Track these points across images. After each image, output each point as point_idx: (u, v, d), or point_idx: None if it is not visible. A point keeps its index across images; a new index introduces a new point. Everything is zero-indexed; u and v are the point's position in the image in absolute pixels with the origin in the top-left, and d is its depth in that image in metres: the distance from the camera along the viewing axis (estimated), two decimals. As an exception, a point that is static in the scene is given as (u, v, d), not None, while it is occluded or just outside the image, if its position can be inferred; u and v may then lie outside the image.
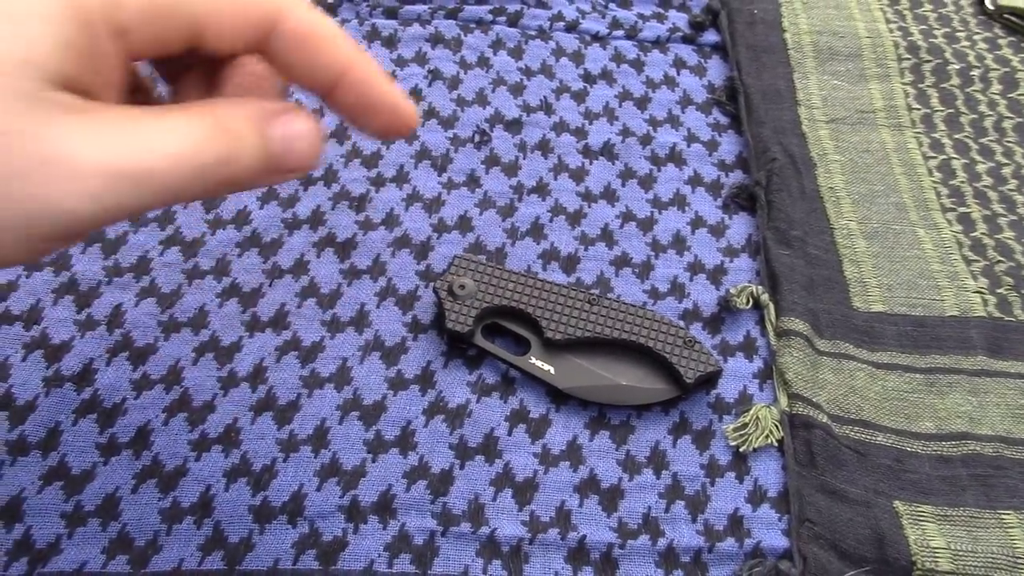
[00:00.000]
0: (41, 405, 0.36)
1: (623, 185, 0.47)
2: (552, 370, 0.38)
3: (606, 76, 0.52)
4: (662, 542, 0.35)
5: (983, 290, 0.44)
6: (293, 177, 0.26)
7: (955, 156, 0.50)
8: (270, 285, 0.41)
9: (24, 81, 0.21)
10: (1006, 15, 0.57)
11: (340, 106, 0.27)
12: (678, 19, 0.56)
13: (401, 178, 0.46)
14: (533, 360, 0.39)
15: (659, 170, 0.48)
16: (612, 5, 0.56)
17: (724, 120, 0.51)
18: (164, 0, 0.23)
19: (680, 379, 0.38)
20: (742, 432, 0.38)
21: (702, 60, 0.54)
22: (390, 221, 0.44)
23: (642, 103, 0.51)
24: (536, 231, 0.44)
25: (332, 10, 0.53)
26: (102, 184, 0.21)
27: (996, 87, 0.54)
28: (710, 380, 0.39)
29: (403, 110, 0.27)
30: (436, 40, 0.52)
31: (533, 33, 0.53)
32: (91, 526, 0.34)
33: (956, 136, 0.51)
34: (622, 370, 0.39)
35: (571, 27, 0.54)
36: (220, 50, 0.25)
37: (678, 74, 0.53)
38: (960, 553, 0.35)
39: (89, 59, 0.22)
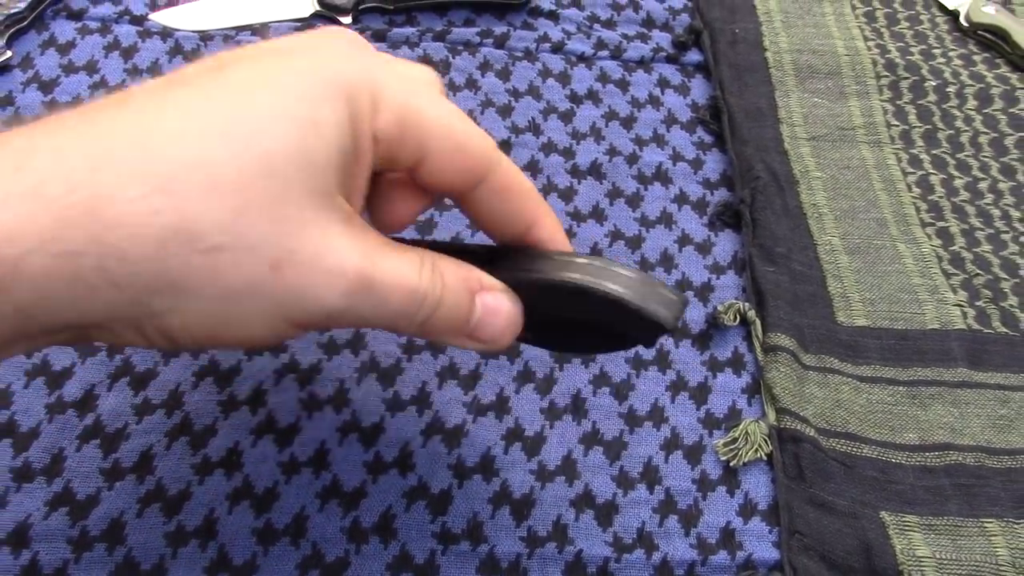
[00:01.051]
0: (44, 431, 0.37)
1: (611, 204, 0.48)
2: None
3: (592, 96, 0.53)
4: (656, 556, 0.36)
5: (962, 303, 0.46)
6: (481, 348, 0.29)
7: (933, 171, 0.51)
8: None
9: (322, 182, 0.24)
10: (980, 32, 0.59)
11: None
12: (661, 39, 0.57)
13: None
14: None
15: (646, 189, 0.49)
16: (596, 26, 0.57)
17: (708, 139, 0.52)
18: (409, 117, 0.26)
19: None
20: (732, 447, 0.39)
21: (685, 79, 0.55)
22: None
23: (628, 123, 0.52)
24: (527, 251, 0.45)
25: (322, 34, 0.54)
26: (353, 286, 0.25)
27: (971, 103, 0.55)
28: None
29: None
30: (424, 62, 0.53)
31: (520, 54, 0.54)
32: (97, 551, 0.34)
33: (934, 152, 0.52)
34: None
35: (557, 48, 0.55)
36: (431, 184, 0.28)
37: (662, 93, 0.54)
38: (945, 562, 0.36)
39: (356, 167, 0.26)
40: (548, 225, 0.30)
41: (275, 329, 0.25)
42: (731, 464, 0.39)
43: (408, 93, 0.27)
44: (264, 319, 0.24)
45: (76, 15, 0.53)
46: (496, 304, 0.28)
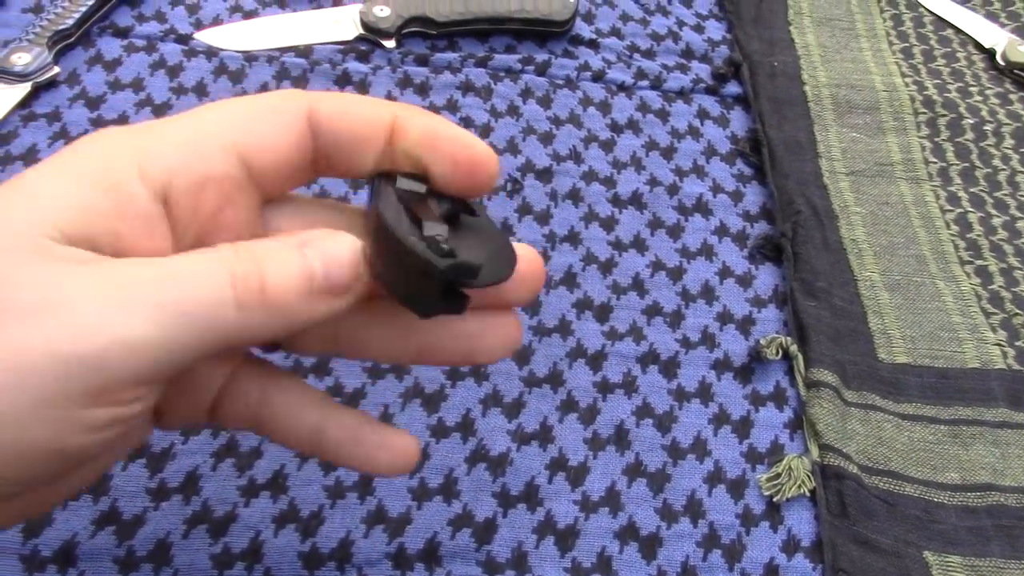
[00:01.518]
0: (91, 449, 0.37)
1: (652, 235, 0.48)
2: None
3: (632, 126, 0.53)
4: (701, 591, 0.36)
5: (1002, 343, 0.46)
6: (346, 301, 0.24)
7: (971, 209, 0.52)
8: (312, 331, 0.42)
9: (31, 236, 0.21)
10: (1016, 71, 0.59)
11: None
12: (701, 70, 0.57)
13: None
14: None
15: (686, 220, 0.49)
16: (636, 56, 0.57)
17: (747, 171, 0.52)
18: (197, 155, 0.24)
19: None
20: (775, 482, 0.39)
21: (725, 111, 0.55)
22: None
23: (668, 153, 0.52)
24: (570, 280, 0.45)
25: (365, 57, 0.54)
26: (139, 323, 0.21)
27: (1008, 142, 0.55)
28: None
29: (477, 146, 0.26)
30: (467, 88, 0.53)
31: (561, 82, 0.55)
32: (144, 571, 0.34)
33: (972, 189, 0.53)
34: None
35: (597, 77, 0.55)
36: (278, 187, 0.26)
37: (702, 124, 0.54)
38: (990, 604, 0.36)
39: (115, 218, 0.22)
40: (405, 128, 0.26)
41: (73, 420, 0.21)
42: (774, 499, 0.39)
43: (183, 139, 0.24)
44: (63, 424, 0.20)
45: (122, 32, 0.53)
46: (332, 248, 0.24)
